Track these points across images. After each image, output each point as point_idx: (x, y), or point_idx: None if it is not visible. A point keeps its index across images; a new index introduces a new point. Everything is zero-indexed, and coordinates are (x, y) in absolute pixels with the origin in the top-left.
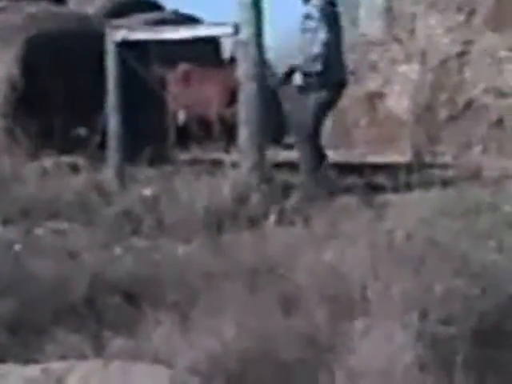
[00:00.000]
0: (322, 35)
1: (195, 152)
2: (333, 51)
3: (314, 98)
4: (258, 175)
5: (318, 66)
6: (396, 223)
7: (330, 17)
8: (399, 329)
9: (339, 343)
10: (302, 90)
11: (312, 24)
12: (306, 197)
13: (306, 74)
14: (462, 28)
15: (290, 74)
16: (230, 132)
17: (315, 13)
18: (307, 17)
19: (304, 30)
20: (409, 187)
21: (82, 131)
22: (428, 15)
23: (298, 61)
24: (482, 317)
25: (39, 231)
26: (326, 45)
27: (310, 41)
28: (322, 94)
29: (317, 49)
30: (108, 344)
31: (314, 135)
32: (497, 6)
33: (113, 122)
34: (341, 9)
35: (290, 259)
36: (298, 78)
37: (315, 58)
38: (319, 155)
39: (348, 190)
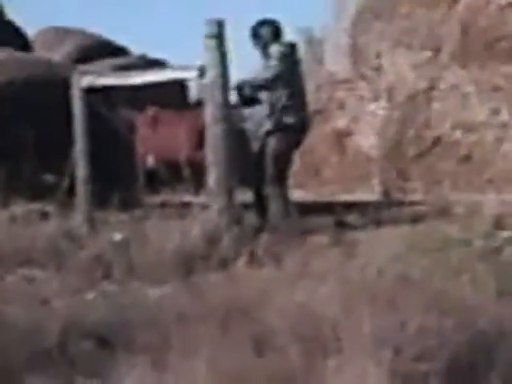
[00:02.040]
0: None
1: (165, 195)
2: (294, 95)
3: (273, 142)
4: (228, 217)
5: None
6: (367, 260)
7: (289, 62)
8: (372, 366)
9: (312, 382)
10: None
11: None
12: (276, 237)
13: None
14: (429, 64)
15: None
16: (199, 174)
17: (278, 57)
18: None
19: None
20: (379, 224)
21: (50, 177)
22: (394, 52)
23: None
24: (455, 353)
25: (10, 278)
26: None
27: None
28: (286, 138)
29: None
30: None
31: (276, 178)
32: (462, 42)
33: (81, 167)
34: (306, 48)
35: (262, 299)
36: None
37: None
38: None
39: (318, 228)
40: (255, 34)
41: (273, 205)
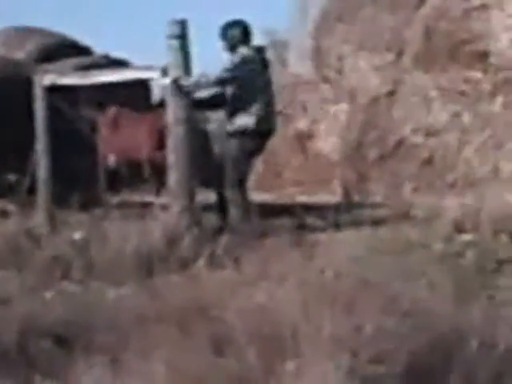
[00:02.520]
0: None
1: (126, 195)
2: (259, 100)
3: (234, 145)
4: (188, 218)
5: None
6: (327, 262)
7: (257, 65)
8: (330, 369)
9: None
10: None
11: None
12: (236, 239)
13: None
14: (391, 67)
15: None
16: (160, 175)
17: (238, 62)
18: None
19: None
20: (339, 227)
21: (11, 176)
22: (356, 55)
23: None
24: (413, 355)
25: None
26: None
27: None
28: (245, 142)
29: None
30: None
31: (236, 181)
32: (425, 46)
33: (42, 166)
34: (270, 50)
35: (221, 301)
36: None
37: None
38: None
39: (279, 230)
40: (224, 34)
41: (232, 207)
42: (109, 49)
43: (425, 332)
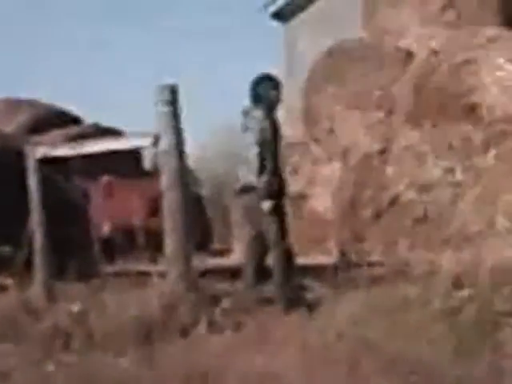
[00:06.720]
0: (255, 149)
1: (121, 264)
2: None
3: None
4: (186, 284)
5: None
6: (326, 324)
7: (271, 125)
8: None
9: None
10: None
11: (251, 136)
12: (238, 303)
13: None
14: (382, 125)
15: (244, 190)
16: (155, 242)
17: (254, 125)
18: (246, 129)
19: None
20: (337, 287)
21: (6, 249)
22: (347, 114)
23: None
24: None
25: None
26: (259, 156)
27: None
28: (267, 204)
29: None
30: None
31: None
32: (415, 103)
33: (38, 238)
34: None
35: (223, 366)
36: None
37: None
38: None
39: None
40: (257, 93)
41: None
42: (98, 118)
43: None
